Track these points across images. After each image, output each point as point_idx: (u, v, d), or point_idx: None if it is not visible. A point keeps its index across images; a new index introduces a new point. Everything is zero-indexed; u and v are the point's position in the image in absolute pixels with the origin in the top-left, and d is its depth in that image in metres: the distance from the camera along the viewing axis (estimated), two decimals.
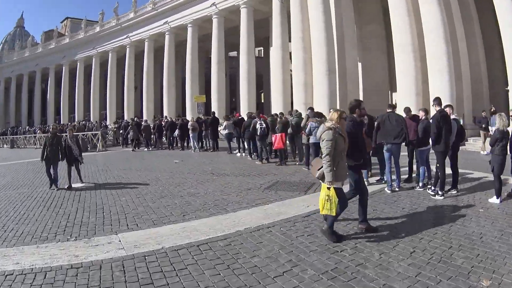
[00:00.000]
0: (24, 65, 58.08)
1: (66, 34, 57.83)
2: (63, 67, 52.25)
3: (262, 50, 45.43)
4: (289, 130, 13.28)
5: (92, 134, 25.03)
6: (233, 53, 45.68)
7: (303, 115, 13.26)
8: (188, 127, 19.31)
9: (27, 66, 57.58)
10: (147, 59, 41.67)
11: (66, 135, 11.12)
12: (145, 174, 12.50)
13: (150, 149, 21.87)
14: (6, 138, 37.26)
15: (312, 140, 11.01)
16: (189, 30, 36.80)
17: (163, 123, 22.11)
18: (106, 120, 41.70)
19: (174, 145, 21.59)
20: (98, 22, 48.80)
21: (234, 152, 17.21)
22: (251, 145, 14.85)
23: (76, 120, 43.68)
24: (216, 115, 20.33)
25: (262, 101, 45.26)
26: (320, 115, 11.56)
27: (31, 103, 58.37)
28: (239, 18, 32.87)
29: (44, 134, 30.25)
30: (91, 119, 43.69)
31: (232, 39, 36.37)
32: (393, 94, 26.71)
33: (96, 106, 49.16)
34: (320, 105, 20.83)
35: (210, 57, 44.85)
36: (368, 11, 26.81)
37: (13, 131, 40.23)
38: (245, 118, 16.46)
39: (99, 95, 49.42)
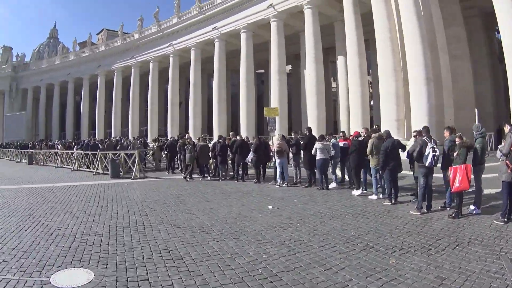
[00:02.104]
0: (54, 74, 53.41)
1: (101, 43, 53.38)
2: (98, 78, 47.44)
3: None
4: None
5: (126, 154, 18.60)
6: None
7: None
8: (274, 149, 13.12)
9: (57, 75, 52.92)
10: (193, 69, 36.28)
11: None
12: (235, 250, 6.07)
13: (208, 178, 15.70)
14: (26, 152, 31.51)
15: None
16: (243, 36, 31.75)
17: (227, 141, 15.71)
18: (146, 137, 35.82)
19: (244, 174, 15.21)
20: (137, 29, 43.88)
21: (331, 187, 12.48)
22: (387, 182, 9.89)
23: (113, 136, 38.30)
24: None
25: None
26: None
27: (63, 115, 53.54)
28: (299, 23, 28.85)
29: (67, 151, 24.67)
30: (130, 136, 37.99)
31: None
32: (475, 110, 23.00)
33: (135, 121, 43.90)
34: (418, 123, 16.71)
35: (260, 73, 40.38)
36: (448, 11, 21.91)
37: (40, 146, 34.50)
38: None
39: (139, 110, 44.40)
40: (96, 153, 19.55)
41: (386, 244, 6.24)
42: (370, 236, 6.72)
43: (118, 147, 21.58)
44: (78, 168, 21.46)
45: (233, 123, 36.25)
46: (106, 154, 19.01)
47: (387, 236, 6.68)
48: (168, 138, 26.33)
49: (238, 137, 15.62)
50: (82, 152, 21.83)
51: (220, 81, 33.60)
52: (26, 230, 7.37)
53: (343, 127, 25.67)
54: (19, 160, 32.25)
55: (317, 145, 12.38)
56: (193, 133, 32.80)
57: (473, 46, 23.01)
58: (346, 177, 13.14)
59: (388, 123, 18.67)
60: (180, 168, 18.24)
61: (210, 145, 16.99)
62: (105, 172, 18.59)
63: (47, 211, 9.20)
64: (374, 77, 27.25)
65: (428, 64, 18.41)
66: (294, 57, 35.95)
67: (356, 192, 11.18)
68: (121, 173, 17.54)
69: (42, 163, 27.43)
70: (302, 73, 31.41)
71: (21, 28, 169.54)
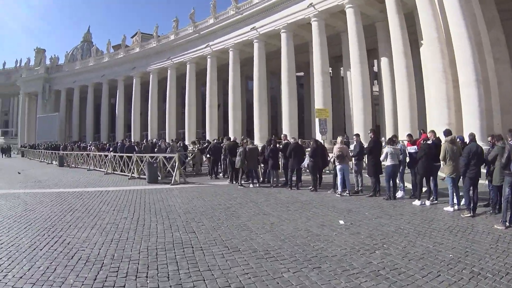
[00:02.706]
0: (88, 76, 53.14)
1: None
2: (134, 79, 46.71)
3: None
4: None
5: (165, 157, 16.96)
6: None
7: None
8: (334, 154, 11.29)
9: (91, 76, 52.62)
10: (232, 70, 34.97)
11: None
12: (322, 287, 4.43)
13: (258, 185, 13.80)
14: (57, 153, 30.45)
15: None
16: (283, 36, 30.58)
17: (277, 145, 13.83)
18: (184, 140, 34.48)
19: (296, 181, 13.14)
20: (172, 30, 42.91)
21: (399, 197, 10.93)
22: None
23: (149, 138, 37.35)
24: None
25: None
26: None
27: (98, 117, 53.21)
28: (339, 23, 28.22)
29: (100, 153, 23.32)
30: (167, 139, 36.95)
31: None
32: None
33: (172, 124, 43.01)
34: (469, 128, 16.32)
35: (299, 76, 38.82)
36: (487, 15, 20.80)
37: (72, 147, 33.37)
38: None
39: (175, 112, 43.51)
40: (131, 156, 18.04)
41: (490, 268, 5.25)
42: (469, 259, 5.64)
43: (155, 149, 20.07)
44: (112, 172, 20.04)
45: (273, 127, 34.62)
46: (142, 157, 17.46)
47: (487, 258, 5.69)
48: (209, 140, 24.80)
49: (292, 140, 13.68)
50: (116, 154, 20.40)
51: (260, 83, 32.33)
52: (41, 250, 5.76)
53: (388, 131, 24.34)
54: (49, 162, 31.30)
55: (388, 149, 10.90)
56: (234, 136, 31.59)
57: (509, 50, 21.86)
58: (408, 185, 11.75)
59: (438, 126, 17.06)
60: (224, 174, 16.60)
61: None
62: (141, 176, 17.02)
63: (71, 223, 7.60)
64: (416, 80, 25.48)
65: (478, 67, 17.58)
66: (334, 59, 34.64)
67: (417, 203, 9.84)
68: (159, 178, 15.93)
69: (73, 165, 26.31)
70: (345, 75, 29.82)
71: (55, 32, 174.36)
